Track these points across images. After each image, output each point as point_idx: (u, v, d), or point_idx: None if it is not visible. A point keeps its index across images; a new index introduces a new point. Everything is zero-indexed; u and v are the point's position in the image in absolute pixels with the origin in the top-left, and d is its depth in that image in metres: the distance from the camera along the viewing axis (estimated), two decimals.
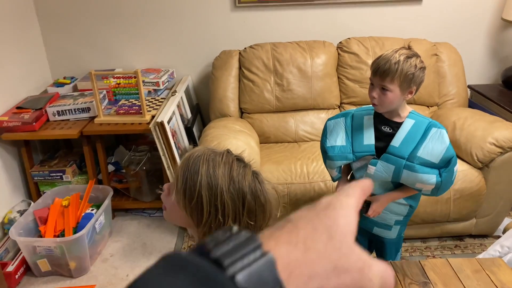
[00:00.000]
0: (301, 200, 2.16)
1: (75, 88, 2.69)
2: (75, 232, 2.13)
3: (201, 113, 2.93)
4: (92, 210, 2.26)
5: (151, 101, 2.54)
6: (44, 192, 2.41)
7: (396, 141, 1.47)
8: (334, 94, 2.61)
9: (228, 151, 0.92)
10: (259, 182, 0.89)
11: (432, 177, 1.44)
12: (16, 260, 2.15)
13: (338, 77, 2.62)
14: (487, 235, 2.38)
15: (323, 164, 1.71)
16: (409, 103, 1.78)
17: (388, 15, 2.74)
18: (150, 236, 2.46)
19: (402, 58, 1.37)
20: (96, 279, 2.16)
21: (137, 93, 2.29)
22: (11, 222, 2.21)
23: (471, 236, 2.38)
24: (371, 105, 1.52)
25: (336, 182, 1.73)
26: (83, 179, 2.54)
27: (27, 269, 2.19)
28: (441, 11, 2.74)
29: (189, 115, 2.69)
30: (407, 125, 1.47)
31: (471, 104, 2.70)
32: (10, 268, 2.09)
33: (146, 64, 2.82)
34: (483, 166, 2.17)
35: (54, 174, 2.45)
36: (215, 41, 2.77)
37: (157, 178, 2.54)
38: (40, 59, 2.76)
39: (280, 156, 2.36)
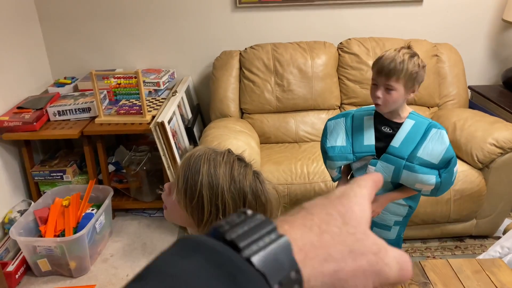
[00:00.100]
0: (301, 200, 2.15)
1: (75, 88, 2.69)
2: (75, 232, 2.13)
3: (202, 113, 2.93)
4: (92, 210, 2.26)
5: (152, 101, 2.54)
6: (45, 192, 2.41)
7: (396, 142, 1.47)
8: (335, 95, 2.61)
9: (229, 151, 0.92)
10: (260, 182, 0.89)
11: (431, 178, 1.44)
12: (16, 259, 2.15)
13: (339, 78, 2.63)
14: (487, 236, 2.38)
15: (323, 164, 1.72)
16: (409, 103, 1.78)
17: (388, 16, 2.74)
18: (150, 236, 2.46)
19: (406, 57, 1.38)
20: (96, 279, 2.16)
21: (138, 93, 2.29)
22: (11, 222, 2.21)
23: (471, 237, 2.38)
24: (371, 106, 1.52)
25: (336, 182, 1.74)
26: (84, 179, 2.55)
27: (27, 269, 2.19)
28: (441, 12, 2.74)
29: (190, 115, 2.69)
30: (407, 125, 1.47)
31: (472, 105, 2.70)
32: (10, 268, 2.09)
33: (146, 64, 2.83)
34: (483, 166, 2.18)
35: (55, 174, 2.45)
36: (215, 41, 2.77)
37: (158, 178, 2.54)
38: (41, 59, 2.76)
39: (280, 156, 2.36)
